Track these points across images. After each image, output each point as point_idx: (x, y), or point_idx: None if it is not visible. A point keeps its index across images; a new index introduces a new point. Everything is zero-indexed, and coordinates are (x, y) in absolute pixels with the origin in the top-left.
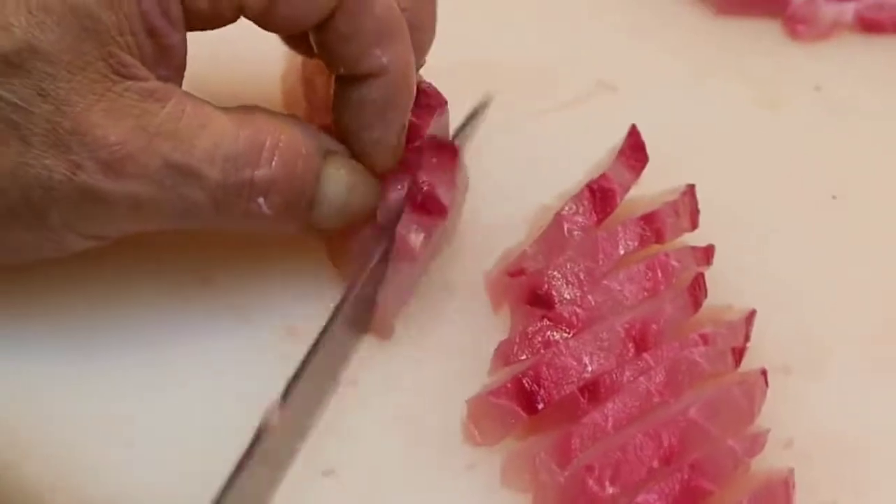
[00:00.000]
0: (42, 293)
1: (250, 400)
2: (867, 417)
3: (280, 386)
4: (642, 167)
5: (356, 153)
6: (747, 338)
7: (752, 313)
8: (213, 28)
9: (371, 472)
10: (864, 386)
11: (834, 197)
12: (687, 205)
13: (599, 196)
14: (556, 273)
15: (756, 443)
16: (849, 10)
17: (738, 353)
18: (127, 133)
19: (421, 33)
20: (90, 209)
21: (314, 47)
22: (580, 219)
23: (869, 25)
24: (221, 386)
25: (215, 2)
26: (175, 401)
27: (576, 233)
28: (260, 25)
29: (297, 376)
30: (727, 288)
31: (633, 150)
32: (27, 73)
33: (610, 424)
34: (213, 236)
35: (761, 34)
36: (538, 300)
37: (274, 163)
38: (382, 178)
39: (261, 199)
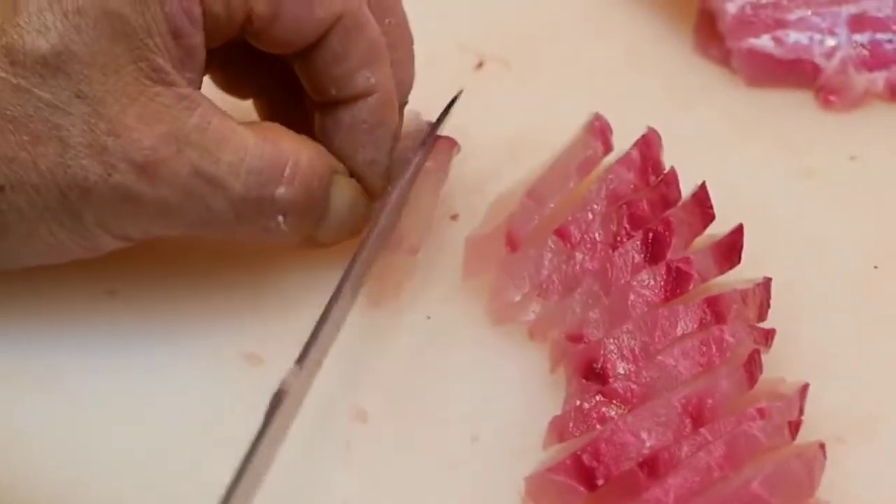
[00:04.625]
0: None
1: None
2: None
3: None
4: (729, 264)
5: (355, 175)
6: (801, 411)
7: (806, 387)
8: (221, 39)
9: None
10: None
11: (876, 267)
12: (758, 297)
13: (675, 276)
14: (612, 347)
15: None
16: (880, 79)
17: (795, 427)
18: (159, 138)
19: (402, 70)
20: (123, 210)
21: (301, 77)
22: (647, 293)
23: None
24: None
25: (228, 5)
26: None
27: (639, 307)
28: (259, 41)
29: (310, 342)
30: (775, 358)
31: (700, 204)
32: (66, 76)
33: (671, 500)
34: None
35: (794, 105)
36: (594, 374)
37: (296, 183)
38: None
39: (280, 218)
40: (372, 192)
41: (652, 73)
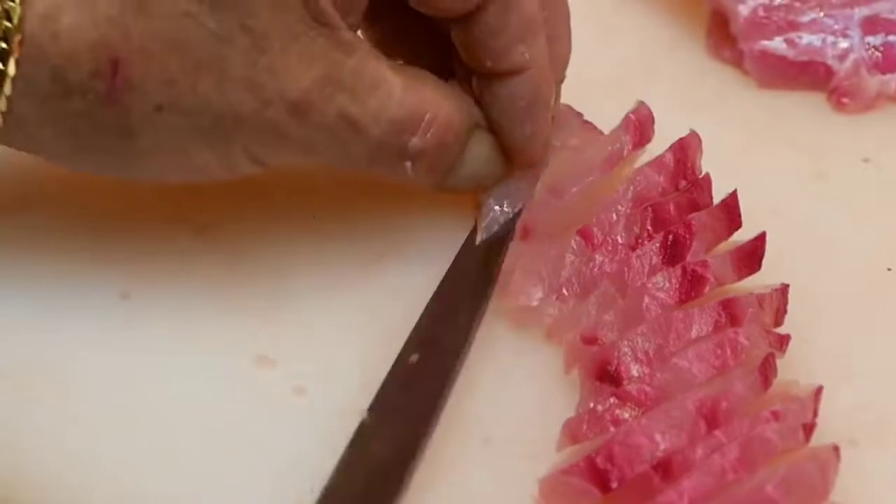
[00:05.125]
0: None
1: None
2: None
3: None
4: (748, 271)
5: (509, 147)
6: (815, 413)
7: (820, 389)
8: None
9: None
10: None
11: (889, 269)
12: (775, 302)
13: (691, 279)
14: (626, 349)
15: None
16: (892, 81)
17: (809, 429)
18: (315, 81)
19: (559, 45)
20: (269, 141)
21: (457, 43)
22: (662, 295)
23: None
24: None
25: None
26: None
27: (653, 309)
28: (417, 4)
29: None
30: (789, 361)
31: (728, 211)
32: (233, 7)
33: (685, 503)
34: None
35: (806, 107)
36: (608, 376)
37: (429, 135)
38: None
39: (408, 163)
40: (532, 163)
41: (664, 76)
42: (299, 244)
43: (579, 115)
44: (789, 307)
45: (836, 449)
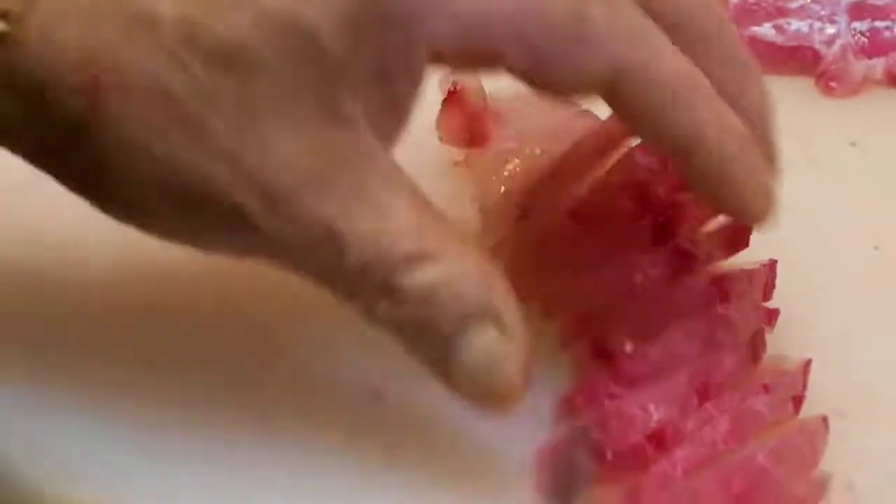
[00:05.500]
0: None
1: None
2: None
3: None
4: (737, 248)
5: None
6: (805, 386)
7: (809, 363)
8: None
9: None
10: None
11: (876, 248)
12: (763, 277)
13: (682, 257)
14: (618, 326)
15: (820, 488)
16: (878, 66)
17: (798, 402)
18: (304, 181)
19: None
20: (237, 226)
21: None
22: (654, 273)
23: None
24: None
25: (466, 57)
26: None
27: (645, 287)
28: (514, 77)
29: None
30: (779, 336)
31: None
32: (232, 72)
33: (679, 472)
34: None
35: (795, 91)
36: (601, 353)
37: (419, 274)
38: None
39: (383, 302)
40: (756, 219)
41: None
42: None
43: (576, 104)
44: (780, 285)
45: (824, 420)
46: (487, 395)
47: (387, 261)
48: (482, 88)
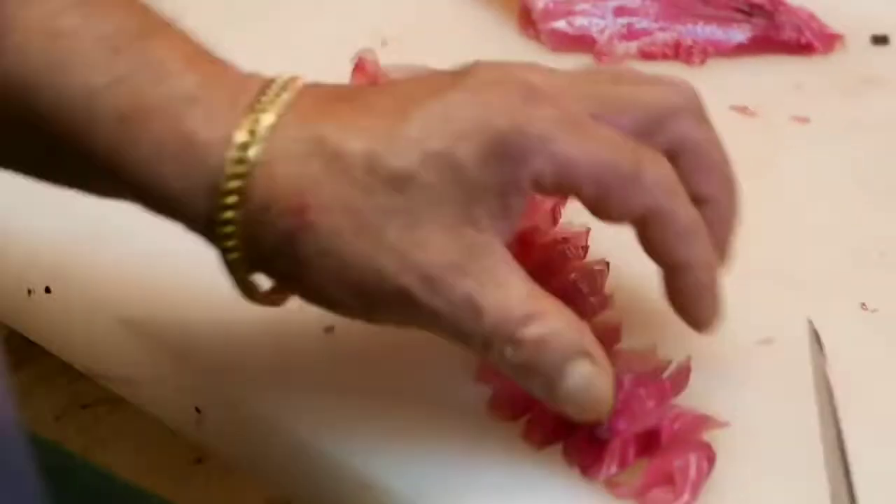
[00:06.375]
0: None
1: None
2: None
3: None
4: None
5: (690, 325)
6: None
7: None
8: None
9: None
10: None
11: None
12: (581, 240)
13: (522, 239)
14: None
15: (682, 378)
16: (633, 47)
17: (584, 251)
18: (451, 264)
19: (722, 229)
20: (402, 302)
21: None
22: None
23: (647, 55)
24: None
25: (558, 187)
26: None
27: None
28: (596, 214)
29: None
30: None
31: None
32: (402, 193)
33: None
34: None
35: (579, 63)
36: None
37: (534, 327)
38: None
39: (509, 349)
40: (707, 328)
41: (491, 47)
42: None
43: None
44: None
45: (606, 264)
46: (586, 409)
47: (510, 320)
48: (377, 61)
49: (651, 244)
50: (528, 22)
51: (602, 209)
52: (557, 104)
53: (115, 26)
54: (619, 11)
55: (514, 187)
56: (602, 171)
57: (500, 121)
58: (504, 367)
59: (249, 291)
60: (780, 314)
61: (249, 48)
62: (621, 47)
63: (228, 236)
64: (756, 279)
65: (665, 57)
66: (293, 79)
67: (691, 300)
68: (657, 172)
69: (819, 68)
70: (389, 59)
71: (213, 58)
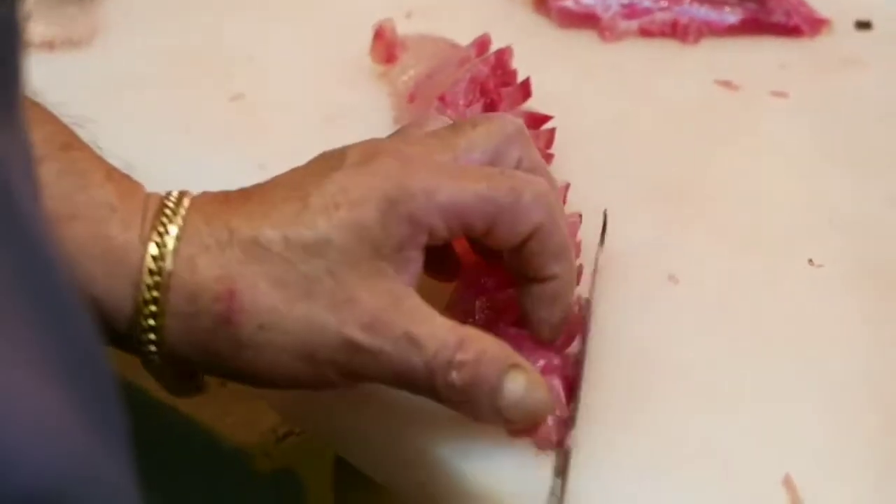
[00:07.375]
0: None
1: None
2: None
3: None
4: (537, 126)
5: (535, 325)
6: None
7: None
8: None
9: None
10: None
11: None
12: (545, 136)
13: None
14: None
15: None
16: (634, 24)
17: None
18: (383, 309)
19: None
20: (348, 351)
21: (507, 262)
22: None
23: (646, 33)
24: None
25: (450, 232)
26: None
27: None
28: (477, 242)
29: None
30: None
31: (523, 88)
32: (322, 257)
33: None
34: None
35: (585, 38)
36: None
37: (471, 352)
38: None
39: (454, 373)
40: (552, 337)
41: (509, 22)
42: None
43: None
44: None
45: (579, 216)
46: (528, 416)
47: (447, 346)
48: (395, 29)
49: (528, 259)
50: (541, 2)
51: (495, 238)
52: (426, 161)
53: (42, 137)
54: None
55: (411, 243)
56: (486, 205)
57: (388, 185)
58: (449, 395)
59: (174, 388)
60: (740, 268)
61: (280, 18)
62: (623, 25)
63: (151, 342)
64: (717, 235)
65: (663, 34)
66: (184, 192)
67: (548, 305)
68: (533, 190)
69: (804, 49)
70: (415, 29)
71: (123, 174)
